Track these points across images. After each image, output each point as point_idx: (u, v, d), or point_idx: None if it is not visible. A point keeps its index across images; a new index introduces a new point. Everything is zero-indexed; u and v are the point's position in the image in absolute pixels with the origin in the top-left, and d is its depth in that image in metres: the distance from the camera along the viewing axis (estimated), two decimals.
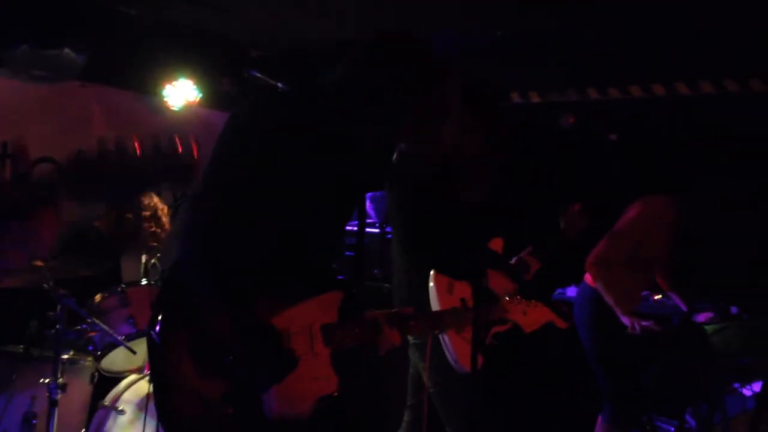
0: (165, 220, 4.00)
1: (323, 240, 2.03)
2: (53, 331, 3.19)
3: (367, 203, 5.08)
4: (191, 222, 1.83)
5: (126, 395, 3.45)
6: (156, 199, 4.03)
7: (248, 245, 1.84)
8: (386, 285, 4.16)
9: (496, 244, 2.96)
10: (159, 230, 3.94)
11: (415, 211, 2.81)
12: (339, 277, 2.08)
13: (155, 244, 3.80)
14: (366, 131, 1.91)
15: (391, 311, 2.06)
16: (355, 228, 2.20)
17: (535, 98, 4.76)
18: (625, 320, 3.65)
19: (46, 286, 3.16)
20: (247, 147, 1.83)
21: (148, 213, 3.93)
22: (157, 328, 1.81)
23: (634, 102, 4.58)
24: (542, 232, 3.16)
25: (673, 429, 4.20)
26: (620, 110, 4.69)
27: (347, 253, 4.44)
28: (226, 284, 1.79)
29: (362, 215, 2.16)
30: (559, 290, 5.00)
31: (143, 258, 3.76)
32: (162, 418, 1.82)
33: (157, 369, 1.82)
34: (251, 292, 1.82)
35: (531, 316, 2.45)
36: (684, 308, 3.99)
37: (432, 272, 2.72)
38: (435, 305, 2.67)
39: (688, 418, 3.83)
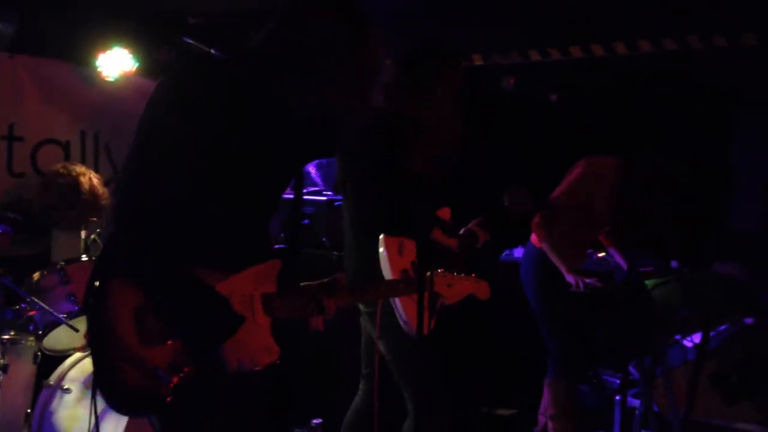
0: (101, 191, 3.88)
1: (260, 210, 2.00)
2: None
3: (314, 171, 5.04)
4: (125, 197, 1.80)
5: (71, 373, 3.38)
6: (82, 168, 3.91)
7: (183, 217, 1.81)
8: (335, 253, 4.16)
9: (444, 213, 2.97)
10: (94, 201, 3.82)
11: (363, 182, 2.80)
12: (276, 247, 2.06)
13: (94, 219, 3.70)
14: (293, 95, 1.88)
15: (325, 281, 2.06)
16: (306, 197, 2.18)
17: (479, 61, 4.77)
18: (570, 278, 3.72)
19: None
20: (175, 116, 1.78)
21: (80, 184, 3.81)
22: (95, 299, 1.77)
23: (576, 63, 4.62)
24: (488, 208, 3.20)
25: (618, 382, 4.33)
26: (562, 72, 4.73)
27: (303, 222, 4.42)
28: (166, 256, 1.76)
29: (299, 183, 2.13)
30: (507, 251, 5.07)
31: (83, 234, 3.67)
32: (106, 393, 1.79)
33: (98, 342, 1.78)
34: (189, 264, 1.79)
35: (454, 288, 2.50)
36: (625, 266, 4.09)
37: (381, 236, 2.72)
38: (386, 268, 2.67)
39: (632, 370, 3.95)
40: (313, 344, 2.07)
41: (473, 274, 2.57)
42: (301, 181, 2.12)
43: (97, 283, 1.79)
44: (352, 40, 1.84)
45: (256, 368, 1.85)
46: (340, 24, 1.84)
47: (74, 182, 3.80)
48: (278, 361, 1.89)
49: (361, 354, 3.12)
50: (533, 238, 3.94)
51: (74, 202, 3.78)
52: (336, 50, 1.83)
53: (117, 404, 1.81)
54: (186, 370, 1.79)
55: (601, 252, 4.56)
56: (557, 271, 3.75)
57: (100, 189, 3.89)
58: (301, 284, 2.04)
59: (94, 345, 1.80)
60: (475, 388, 4.51)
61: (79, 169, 3.87)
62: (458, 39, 4.50)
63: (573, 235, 3.85)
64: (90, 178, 3.88)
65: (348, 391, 3.21)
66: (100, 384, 1.79)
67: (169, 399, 1.77)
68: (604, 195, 3.85)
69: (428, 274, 2.46)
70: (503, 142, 4.72)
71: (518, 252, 4.94)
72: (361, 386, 3.13)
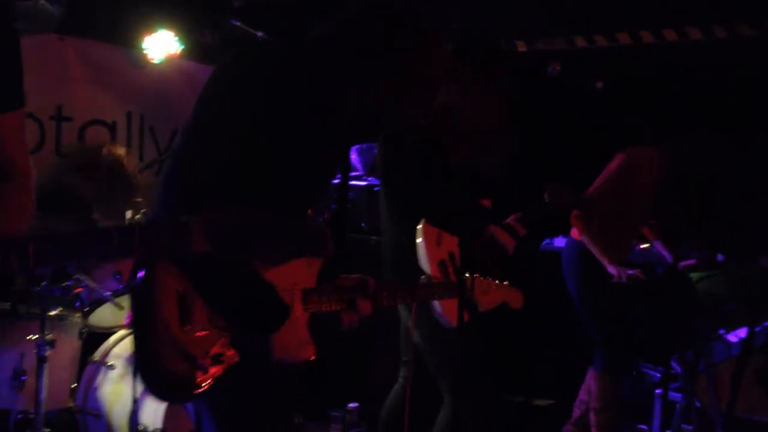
0: (136, 170, 3.94)
1: (306, 198, 2.01)
2: (39, 288, 3.19)
3: (354, 155, 5.04)
4: (173, 182, 1.80)
5: (115, 350, 3.45)
6: (122, 150, 3.97)
7: (229, 206, 1.81)
8: (373, 238, 4.16)
9: (485, 205, 2.95)
10: (134, 182, 3.88)
11: (406, 170, 2.79)
12: (319, 240, 2.07)
13: (138, 199, 3.75)
14: (350, 93, 1.88)
15: (365, 279, 2.06)
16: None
17: (522, 48, 4.71)
18: (612, 270, 3.68)
19: None
20: (232, 103, 1.79)
21: (122, 165, 3.87)
22: (141, 279, 1.78)
23: (622, 50, 4.53)
24: (528, 202, 3.18)
25: (659, 375, 4.27)
26: (607, 58, 4.65)
27: (333, 206, 4.43)
28: (214, 243, 1.76)
29: (346, 170, 2.13)
30: (547, 240, 5.02)
31: (128, 214, 3.72)
32: (146, 378, 1.79)
33: (141, 320, 1.79)
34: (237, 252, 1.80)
35: (490, 296, 2.49)
36: (669, 259, 4.02)
37: (420, 226, 2.71)
38: (423, 258, 2.66)
39: (674, 364, 3.89)
40: (350, 330, 2.07)
41: (506, 282, 2.56)
42: (348, 168, 2.12)
43: (141, 267, 1.80)
44: (414, 51, 1.83)
45: (297, 360, 1.85)
46: (405, 33, 1.82)
47: (117, 163, 3.86)
48: (313, 357, 1.90)
49: (400, 342, 3.13)
50: (573, 231, 3.89)
51: (115, 182, 3.85)
52: (396, 58, 1.82)
53: (156, 390, 1.80)
54: (225, 360, 1.80)
55: (644, 243, 4.49)
56: (599, 263, 3.71)
57: (136, 169, 3.95)
58: (341, 277, 2.04)
59: (137, 329, 1.81)
60: (510, 378, 4.50)
61: (118, 151, 3.94)
62: (501, 25, 4.45)
63: (614, 227, 3.80)
64: (130, 160, 3.95)
65: (384, 376, 3.22)
66: (141, 369, 1.80)
67: (206, 387, 1.77)
68: (644, 186, 3.79)
69: (467, 277, 2.46)
70: (544, 131, 4.67)
71: (559, 241, 4.88)
72: (401, 373, 3.14)
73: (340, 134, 2.00)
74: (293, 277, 1.90)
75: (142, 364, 1.79)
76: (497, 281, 2.58)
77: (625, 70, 4.58)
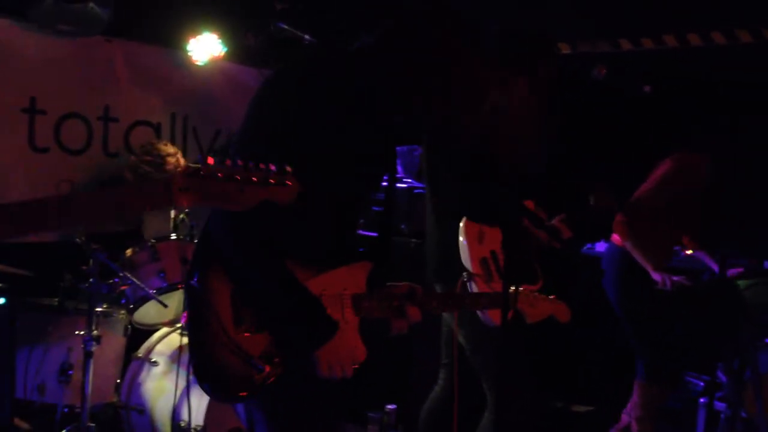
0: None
1: (353, 204, 2.02)
2: (87, 285, 3.25)
3: None
4: None
5: (159, 347, 3.50)
6: (172, 149, 4.02)
7: (277, 212, 1.82)
8: (413, 240, 4.16)
9: (528, 206, 2.93)
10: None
11: (451, 172, 2.79)
12: (364, 233, 2.08)
13: None
14: (397, 103, 1.88)
15: (413, 287, 2.06)
16: (385, 183, 2.18)
17: (566, 50, 4.66)
18: (656, 276, 3.62)
19: (78, 240, 3.20)
20: (283, 110, 1.81)
21: (166, 163, 3.92)
22: (196, 279, 1.81)
23: (669, 53, 4.46)
24: (573, 204, 3.15)
25: (703, 384, 4.19)
26: (654, 61, 4.57)
27: (375, 208, 4.43)
28: (264, 250, 1.78)
29: (392, 174, 2.13)
30: (588, 245, 4.97)
31: (172, 213, 3.78)
32: (200, 376, 1.81)
33: (197, 320, 1.82)
34: (285, 258, 1.81)
35: (537, 308, 2.47)
36: (715, 268, 3.94)
37: (462, 224, 2.71)
38: (465, 256, 2.67)
39: (719, 373, 3.81)
40: (387, 330, 2.08)
41: (553, 296, 2.55)
42: (395, 172, 2.12)
43: (196, 270, 1.83)
44: (459, 55, 1.83)
45: (347, 374, 1.86)
46: (449, 37, 1.82)
47: (161, 161, 3.91)
48: (362, 361, 1.90)
49: (442, 344, 3.12)
50: (615, 237, 3.84)
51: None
52: (440, 63, 1.81)
53: (210, 387, 1.83)
54: (277, 361, 1.81)
55: (689, 249, 4.41)
56: (641, 270, 3.65)
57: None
58: (388, 285, 2.05)
59: (193, 330, 1.84)
60: (552, 383, 4.45)
61: (167, 149, 3.99)
62: (543, 27, 4.40)
63: (658, 234, 3.74)
64: (178, 159, 3.99)
65: (423, 378, 3.21)
66: (196, 368, 1.81)
67: (260, 386, 1.79)
68: (690, 192, 3.72)
69: (513, 290, 2.45)
70: (590, 135, 4.61)
71: (600, 246, 4.83)
72: (440, 375, 3.13)
73: (384, 140, 2.01)
74: (342, 283, 1.92)
75: (198, 364, 1.81)
76: (543, 294, 2.56)
77: (672, 74, 4.50)
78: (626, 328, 3.79)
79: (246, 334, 1.80)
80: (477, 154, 2.69)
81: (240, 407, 1.95)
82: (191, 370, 1.84)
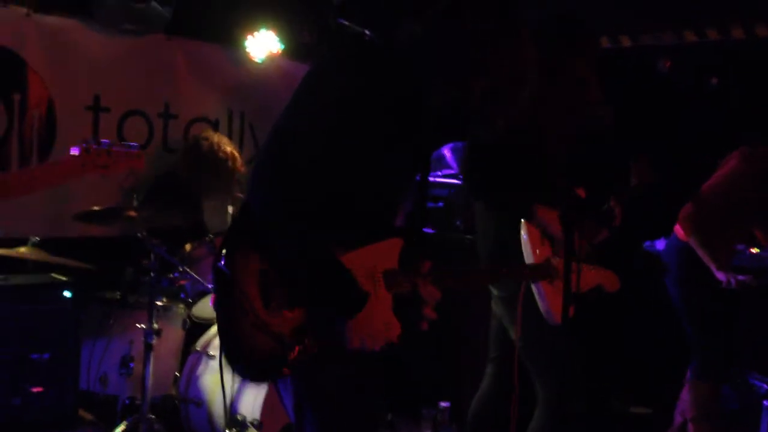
0: (240, 164, 4.04)
1: (391, 196, 2.00)
2: (148, 279, 3.32)
3: (449, 153, 5.01)
4: (269, 166, 1.81)
5: (216, 341, 3.55)
6: (225, 140, 4.08)
7: (320, 191, 1.82)
8: (468, 237, 4.13)
9: (579, 194, 2.88)
10: (235, 172, 3.98)
11: (492, 162, 2.75)
12: (398, 226, 2.05)
13: (240, 195, 3.86)
14: (438, 91, 1.86)
15: (441, 266, 2.01)
16: (440, 179, 2.17)
17: (627, 42, 4.54)
18: (720, 275, 3.51)
19: (139, 235, 3.27)
20: (326, 102, 1.81)
21: (222, 153, 3.98)
22: (224, 262, 1.81)
23: (735, 43, 4.30)
24: (615, 187, 3.07)
25: (765, 386, 4.06)
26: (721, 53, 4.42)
27: (430, 204, 4.41)
28: (302, 224, 1.78)
29: (426, 167, 2.11)
30: (648, 243, 4.85)
31: (230, 209, 3.83)
32: (232, 358, 1.79)
33: (225, 303, 1.81)
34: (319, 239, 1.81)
35: (584, 278, 2.39)
36: None
37: (523, 221, 2.67)
38: (528, 253, 2.63)
39: None
40: (441, 327, 2.05)
41: (598, 266, 2.48)
42: (428, 165, 2.10)
43: (224, 251, 1.83)
44: (510, 43, 1.79)
45: (377, 348, 1.84)
46: (493, 27, 1.79)
47: (212, 146, 3.97)
48: (397, 342, 1.88)
49: (490, 338, 3.09)
50: (678, 231, 3.73)
51: (216, 167, 3.95)
52: (491, 50, 1.78)
53: (242, 369, 1.82)
54: (308, 340, 1.80)
55: (754, 248, 4.27)
56: (704, 266, 3.55)
57: (240, 162, 4.04)
58: (424, 262, 2.00)
59: (220, 310, 1.83)
60: (607, 383, 4.37)
61: (218, 138, 4.05)
62: (603, 18, 4.31)
63: (724, 230, 3.62)
64: (232, 151, 4.05)
65: (477, 374, 3.19)
66: (226, 349, 1.80)
67: (292, 365, 1.78)
68: (760, 188, 3.59)
69: (549, 260, 2.40)
70: (655, 129, 4.49)
71: (660, 244, 4.71)
72: (487, 370, 3.10)
73: (424, 134, 1.98)
74: (373, 259, 1.89)
75: (228, 345, 1.80)
76: (586, 264, 2.49)
77: (740, 65, 4.34)
78: (685, 326, 3.70)
79: (276, 312, 1.79)
80: (515, 148, 2.65)
81: (288, 403, 1.96)
82: (222, 353, 1.84)
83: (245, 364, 1.81)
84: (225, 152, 4.00)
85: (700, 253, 3.55)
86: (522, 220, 2.67)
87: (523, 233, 2.66)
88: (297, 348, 1.78)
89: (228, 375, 3.25)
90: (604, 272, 2.46)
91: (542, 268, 2.46)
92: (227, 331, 1.81)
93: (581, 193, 2.87)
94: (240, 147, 4.62)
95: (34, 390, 3.26)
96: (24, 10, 3.74)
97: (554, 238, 2.68)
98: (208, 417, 3.38)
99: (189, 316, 3.65)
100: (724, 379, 3.80)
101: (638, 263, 4.59)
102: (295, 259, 1.79)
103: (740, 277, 3.48)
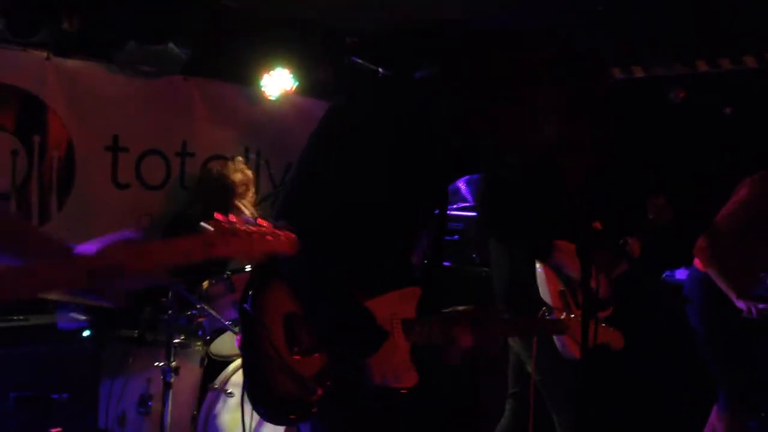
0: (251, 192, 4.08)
1: (407, 231, 2.01)
2: (166, 317, 3.33)
3: (464, 186, 5.01)
4: (288, 210, 1.86)
5: (234, 378, 3.54)
6: (245, 172, 4.12)
7: (339, 233, 1.84)
8: (485, 269, 4.11)
9: (597, 227, 2.88)
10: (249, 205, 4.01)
11: (507, 197, 2.76)
12: (417, 272, 2.06)
13: None
14: (456, 129, 1.88)
15: (469, 310, 2.01)
16: (455, 212, 2.18)
17: (639, 73, 4.55)
18: (741, 304, 3.48)
19: None
20: (344, 141, 1.84)
21: (233, 181, 4.02)
22: (249, 303, 1.83)
23: (747, 73, 4.30)
24: (632, 220, 3.07)
25: None
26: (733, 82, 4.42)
27: (446, 237, 4.40)
28: (323, 267, 1.80)
29: (445, 202, 2.12)
30: (668, 272, 4.81)
31: None
32: (255, 399, 1.82)
33: (250, 343, 1.83)
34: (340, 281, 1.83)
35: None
36: None
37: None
38: (543, 287, 2.62)
39: None
40: (451, 364, 2.04)
41: (605, 324, 2.47)
42: (446, 199, 2.11)
43: (250, 292, 1.85)
44: (524, 76, 1.82)
45: (398, 385, 1.84)
46: (517, 64, 1.82)
47: (224, 175, 4.01)
48: (414, 384, 1.87)
49: (509, 373, 3.07)
50: (697, 262, 3.70)
51: (224, 194, 3.98)
52: (508, 89, 1.81)
53: (265, 411, 1.84)
54: (329, 383, 1.81)
55: None
56: (724, 296, 3.52)
57: (252, 192, 4.08)
58: (445, 310, 2.02)
59: (246, 351, 1.86)
60: (630, 415, 4.30)
61: (228, 165, 4.09)
62: (616, 49, 4.34)
63: (742, 258, 3.59)
64: (242, 178, 4.09)
65: (492, 409, 3.16)
66: (251, 390, 1.83)
67: (314, 409, 1.79)
68: None
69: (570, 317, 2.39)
70: (669, 158, 4.49)
71: (680, 273, 4.67)
72: (507, 405, 3.08)
73: (440, 168, 2.00)
74: (391, 307, 1.91)
75: (252, 386, 1.83)
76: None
77: (750, 94, 4.34)
78: (707, 357, 3.65)
79: (298, 357, 1.80)
80: (528, 183, 2.66)
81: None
82: (245, 393, 1.84)
83: (267, 405, 1.82)
84: (234, 178, 4.05)
85: (719, 282, 3.52)
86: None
87: (539, 268, 2.65)
88: (319, 391, 1.79)
89: (247, 411, 3.26)
90: (612, 331, 2.47)
91: (559, 323, 2.43)
92: (252, 372, 1.84)
93: (598, 226, 2.87)
94: (256, 183, 4.66)
95: (53, 431, 3.25)
96: (44, 53, 3.82)
97: (570, 278, 2.68)
98: None
99: (207, 354, 3.65)
100: (749, 411, 3.73)
101: (658, 295, 4.55)
102: (318, 293, 1.80)
103: (761, 306, 3.44)
